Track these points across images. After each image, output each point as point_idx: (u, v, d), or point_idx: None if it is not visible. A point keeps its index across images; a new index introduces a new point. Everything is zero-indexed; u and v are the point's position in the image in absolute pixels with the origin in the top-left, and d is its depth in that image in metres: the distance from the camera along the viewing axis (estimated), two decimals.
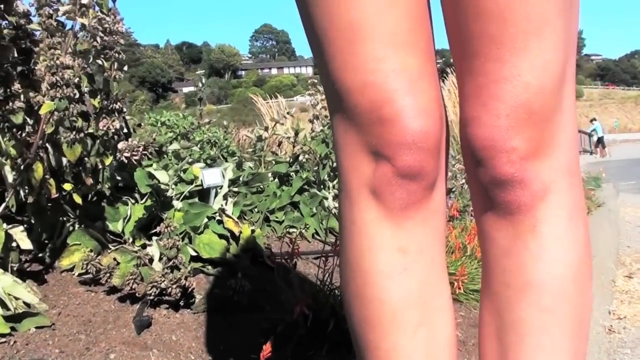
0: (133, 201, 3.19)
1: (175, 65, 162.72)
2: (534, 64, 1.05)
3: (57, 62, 2.52)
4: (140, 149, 2.71)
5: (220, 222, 3.29)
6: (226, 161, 5.04)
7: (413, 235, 1.17)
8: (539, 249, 1.14)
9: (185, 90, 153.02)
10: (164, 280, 2.55)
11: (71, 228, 2.90)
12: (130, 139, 2.79)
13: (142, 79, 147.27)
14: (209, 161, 4.42)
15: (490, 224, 1.19)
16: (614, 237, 6.07)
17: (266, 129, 5.36)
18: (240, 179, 4.40)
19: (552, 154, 1.11)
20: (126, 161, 2.70)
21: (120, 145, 2.71)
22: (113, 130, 2.82)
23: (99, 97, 2.83)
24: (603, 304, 3.81)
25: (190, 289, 2.63)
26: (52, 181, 2.64)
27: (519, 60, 1.05)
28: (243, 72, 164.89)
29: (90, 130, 2.82)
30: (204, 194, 3.50)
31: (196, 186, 3.43)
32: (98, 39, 2.70)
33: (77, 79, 2.61)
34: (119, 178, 3.27)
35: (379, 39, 1.08)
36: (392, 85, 1.09)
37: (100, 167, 2.96)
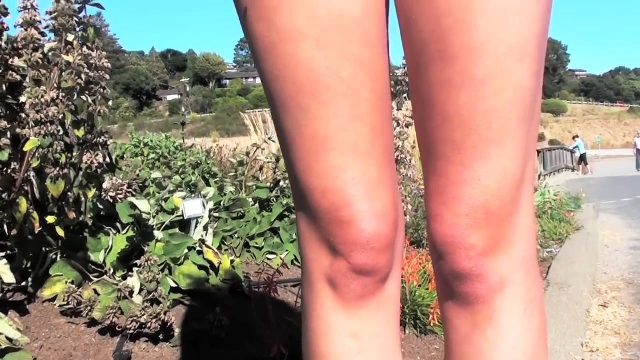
0: (115, 231, 3.23)
1: (159, 73, 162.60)
2: (493, 170, 1.12)
3: (42, 99, 2.57)
4: (125, 187, 2.76)
5: (200, 252, 3.34)
6: (208, 185, 5.09)
7: (367, 322, 1.26)
8: (496, 337, 1.20)
9: (170, 98, 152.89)
10: (143, 314, 2.60)
11: (54, 257, 2.94)
12: (114, 176, 2.83)
13: (127, 86, 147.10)
14: (191, 187, 4.46)
15: (451, 311, 1.26)
16: (591, 264, 6.12)
17: (247, 154, 5.41)
18: (222, 204, 4.44)
19: (509, 249, 1.18)
20: (111, 200, 2.75)
21: (105, 185, 2.76)
22: (96, 165, 2.86)
23: (82, 128, 2.87)
24: (576, 337, 3.86)
25: (169, 323, 2.68)
26: (35, 215, 2.69)
27: (480, 165, 1.12)
28: (228, 81, 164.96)
29: (74, 161, 2.86)
30: (184, 224, 3.55)
31: (177, 216, 3.47)
32: (83, 76, 2.74)
33: (62, 115, 2.65)
34: (101, 207, 3.31)
35: (341, 150, 1.16)
36: (351, 191, 1.17)
37: (83, 199, 3.00)
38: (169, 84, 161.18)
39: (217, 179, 5.36)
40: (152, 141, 6.44)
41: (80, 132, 2.85)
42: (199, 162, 5.58)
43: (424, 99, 1.18)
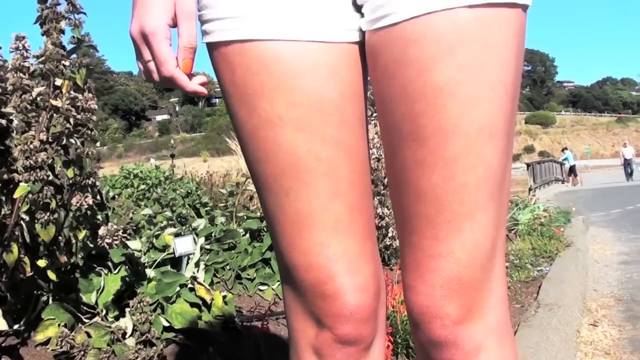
0: (106, 271, 3.25)
1: (148, 93, 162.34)
2: (465, 243, 1.17)
3: (31, 145, 2.60)
4: (120, 232, 2.79)
5: (192, 289, 3.36)
6: (199, 215, 5.11)
7: None
8: None
9: (159, 118, 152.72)
10: (137, 358, 2.62)
11: (46, 300, 2.96)
12: (106, 216, 2.86)
13: (115, 106, 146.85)
14: (181, 219, 4.48)
15: None
16: (581, 281, 6.14)
17: (237, 184, 5.44)
18: (213, 235, 4.47)
19: (483, 316, 1.22)
20: (107, 247, 2.78)
21: (101, 232, 2.79)
22: (86, 206, 2.89)
23: (72, 168, 2.90)
24: (567, 359, 3.89)
25: None
26: (26, 259, 2.71)
27: (453, 239, 1.17)
28: (217, 100, 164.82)
29: (64, 202, 2.89)
30: (176, 260, 3.57)
31: (168, 254, 3.50)
32: (71, 120, 2.77)
33: (51, 160, 2.68)
34: (91, 245, 3.34)
35: (323, 228, 1.23)
36: (334, 266, 1.23)
37: (74, 240, 3.03)
38: (158, 104, 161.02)
39: (208, 208, 5.39)
40: (141, 172, 6.47)
41: (70, 173, 2.88)
42: (189, 191, 5.60)
43: (399, 176, 1.22)
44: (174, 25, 1.20)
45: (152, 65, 1.19)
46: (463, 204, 1.16)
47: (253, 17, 1.18)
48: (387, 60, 1.18)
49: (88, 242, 3.29)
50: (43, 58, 2.74)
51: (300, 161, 1.20)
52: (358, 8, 1.25)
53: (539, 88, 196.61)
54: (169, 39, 1.18)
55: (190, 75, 1.21)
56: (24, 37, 2.81)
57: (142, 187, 5.69)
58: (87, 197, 2.89)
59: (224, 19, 1.20)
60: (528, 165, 26.91)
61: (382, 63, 1.19)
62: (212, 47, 1.25)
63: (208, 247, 4.30)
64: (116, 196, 4.52)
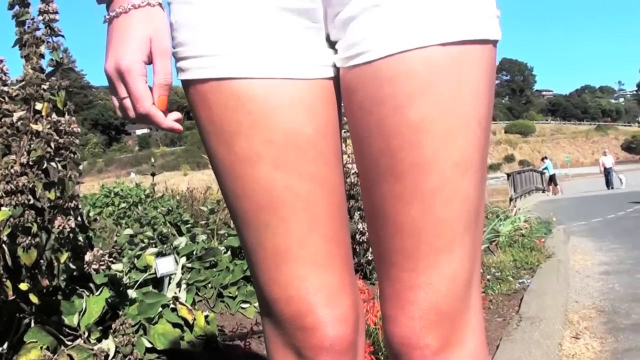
0: (88, 293, 3.24)
1: None
2: (443, 275, 1.20)
3: (12, 170, 2.60)
4: (106, 256, 2.79)
5: (174, 309, 3.36)
6: (180, 233, 5.11)
7: None
8: None
9: (139, 132, 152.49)
10: None
11: (28, 321, 2.95)
12: (94, 248, 2.86)
13: (95, 121, 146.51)
14: (162, 238, 4.48)
15: None
16: (563, 293, 6.16)
17: (218, 202, 5.44)
18: (194, 253, 4.47)
19: (461, 345, 1.24)
20: (94, 272, 2.78)
21: (87, 257, 2.79)
22: (69, 229, 2.89)
23: (53, 190, 2.90)
24: None
25: None
26: (8, 283, 2.70)
27: (430, 271, 1.19)
28: None
29: (46, 224, 2.88)
30: (158, 280, 3.57)
31: (150, 274, 3.50)
32: (52, 144, 2.77)
33: (32, 184, 2.68)
34: (73, 267, 3.33)
35: (301, 261, 1.25)
36: (313, 299, 1.26)
37: (56, 263, 3.02)
38: None
39: (189, 226, 5.39)
40: (122, 190, 6.46)
41: (52, 195, 2.88)
42: (170, 209, 5.60)
43: (376, 210, 1.24)
44: (149, 62, 1.21)
45: (127, 102, 1.20)
46: (441, 237, 1.18)
47: (228, 55, 1.20)
48: (363, 97, 1.20)
49: (70, 264, 3.28)
50: (23, 82, 2.74)
51: (278, 197, 1.22)
52: (332, 44, 1.27)
53: (518, 97, 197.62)
54: (145, 76, 1.19)
55: (166, 111, 1.22)
56: (1, 61, 2.81)
57: (123, 205, 5.69)
58: (69, 220, 2.89)
59: (200, 57, 1.22)
60: (508, 175, 26.98)
61: (357, 99, 1.21)
62: (188, 84, 1.26)
63: (190, 265, 4.30)
64: (97, 217, 4.51)
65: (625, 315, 5.40)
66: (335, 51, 1.26)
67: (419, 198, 1.17)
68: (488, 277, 6.16)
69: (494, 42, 1.22)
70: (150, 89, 1.20)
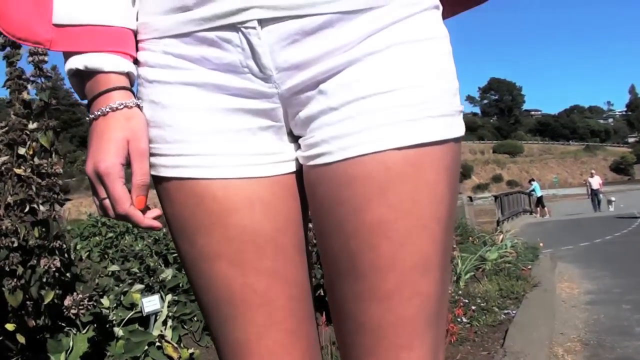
0: (75, 330, 3.26)
1: None
2: None
3: None
4: (85, 300, 2.80)
5: (160, 347, 3.37)
6: (167, 263, 5.12)
7: None
8: None
9: None
10: None
11: None
12: (74, 292, 2.87)
13: (83, 138, 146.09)
14: (149, 271, 4.49)
15: None
16: (548, 325, 6.17)
17: None
18: (180, 285, 4.48)
19: None
20: (74, 317, 2.79)
21: (66, 302, 2.80)
22: (54, 269, 2.91)
23: (38, 228, 2.92)
24: None
25: None
26: None
27: None
28: None
29: (32, 263, 2.90)
30: (144, 318, 3.58)
31: (136, 312, 3.51)
32: (34, 187, 2.79)
33: (15, 226, 2.70)
34: (59, 303, 3.34)
35: (259, 355, 1.27)
36: None
37: (42, 302, 3.03)
38: None
39: (176, 255, 5.39)
40: (109, 220, 6.47)
41: (36, 232, 2.90)
42: (157, 238, 5.61)
43: (338, 307, 1.28)
44: (128, 163, 1.23)
45: (107, 202, 1.22)
46: (401, 335, 1.20)
47: (189, 156, 1.23)
48: (323, 197, 1.23)
49: (56, 300, 3.29)
50: (7, 128, 2.76)
51: (236, 293, 1.25)
52: (295, 138, 1.31)
53: (506, 117, 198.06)
54: (123, 178, 1.21)
55: (145, 209, 1.24)
56: None
57: (110, 235, 5.69)
58: (54, 260, 2.91)
59: (164, 155, 1.25)
60: (496, 197, 26.98)
61: (318, 198, 1.25)
62: (155, 179, 1.29)
63: (176, 298, 4.31)
64: (82, 256, 4.53)
65: (610, 349, 5.42)
66: (299, 146, 1.29)
67: (378, 298, 1.19)
68: (473, 307, 6.16)
69: (455, 139, 1.24)
70: (129, 189, 1.23)
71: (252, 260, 1.24)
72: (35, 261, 2.91)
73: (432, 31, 1.25)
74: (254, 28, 1.17)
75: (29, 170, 2.79)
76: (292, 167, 1.31)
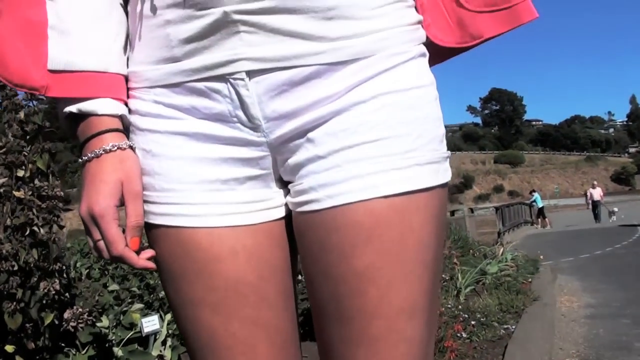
0: (74, 351, 3.27)
1: None
2: None
3: None
4: (85, 315, 2.82)
5: None
6: None
7: None
8: None
9: None
10: None
11: None
12: (74, 306, 2.88)
13: None
14: (149, 289, 4.51)
15: None
16: (547, 340, 6.17)
17: None
18: None
19: None
20: (72, 330, 2.80)
21: (66, 315, 2.82)
22: (54, 292, 2.92)
23: (37, 249, 2.93)
24: None
25: None
26: None
27: None
28: None
29: (32, 284, 2.91)
30: (143, 338, 3.60)
31: (135, 332, 3.53)
32: (34, 211, 2.80)
33: (15, 250, 2.72)
34: (57, 323, 3.35)
35: None
36: None
37: (41, 324, 3.05)
38: None
39: None
40: None
41: (35, 254, 2.91)
42: None
43: (327, 349, 1.30)
44: (122, 205, 1.25)
45: (101, 244, 1.23)
46: None
47: (176, 205, 1.26)
48: (311, 243, 1.26)
49: (56, 321, 3.31)
50: (5, 149, 2.78)
51: (218, 340, 1.27)
52: (284, 183, 1.33)
53: (507, 127, 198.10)
54: (117, 220, 1.23)
55: (139, 250, 1.26)
56: None
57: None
58: (54, 282, 2.92)
59: (153, 203, 1.28)
60: (497, 208, 26.91)
61: (307, 244, 1.27)
62: (144, 224, 1.30)
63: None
64: (83, 273, 4.54)
65: None
66: (288, 191, 1.32)
67: (365, 342, 1.21)
68: (473, 322, 6.16)
69: (442, 185, 1.27)
70: (123, 230, 1.24)
71: (235, 308, 1.27)
72: (34, 281, 2.92)
73: (418, 80, 1.28)
74: (242, 79, 1.20)
75: (29, 193, 2.80)
76: (280, 213, 1.33)
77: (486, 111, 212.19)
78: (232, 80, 1.20)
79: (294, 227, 1.31)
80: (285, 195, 1.34)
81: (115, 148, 1.25)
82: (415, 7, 1.33)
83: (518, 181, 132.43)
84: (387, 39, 1.24)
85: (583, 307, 8.41)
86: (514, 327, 6.34)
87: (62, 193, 2.97)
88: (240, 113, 1.23)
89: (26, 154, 2.86)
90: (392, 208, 1.19)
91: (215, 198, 1.26)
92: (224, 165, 1.27)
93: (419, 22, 1.32)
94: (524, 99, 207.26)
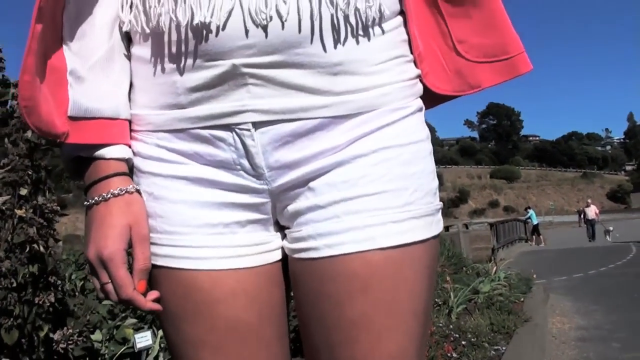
0: None
1: None
2: None
3: None
4: (75, 336, 2.84)
5: None
6: None
7: None
8: None
9: None
10: None
11: None
12: (65, 328, 2.91)
13: None
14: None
15: None
16: None
17: None
18: None
19: None
20: (62, 352, 2.83)
21: (56, 336, 2.84)
22: (49, 304, 2.95)
23: (36, 265, 2.95)
24: None
25: None
26: None
27: None
28: None
29: (28, 298, 2.94)
30: (136, 353, 3.62)
31: (128, 348, 3.55)
32: (35, 228, 2.83)
33: (14, 268, 2.74)
34: (53, 337, 3.37)
35: None
36: None
37: (36, 338, 3.07)
38: None
39: None
40: None
41: (33, 269, 2.93)
42: None
43: None
44: (130, 247, 1.27)
45: (109, 287, 1.25)
46: None
47: (179, 247, 1.28)
48: (306, 289, 1.30)
49: (50, 335, 3.33)
50: (9, 167, 2.80)
51: None
52: (280, 227, 1.37)
53: (504, 142, 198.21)
54: (126, 264, 1.25)
55: (145, 292, 1.27)
56: None
57: None
58: (49, 295, 2.94)
59: (154, 244, 1.29)
60: (491, 225, 26.89)
61: (302, 290, 1.31)
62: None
63: None
64: (78, 285, 4.54)
65: None
66: (284, 235, 1.35)
67: None
68: (464, 342, 6.18)
69: (434, 236, 1.31)
70: (131, 272, 1.27)
71: (234, 348, 1.29)
72: (30, 295, 2.95)
73: (415, 135, 1.32)
74: (248, 130, 1.23)
75: (30, 211, 2.83)
76: (277, 256, 1.36)
77: (483, 125, 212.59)
78: (237, 130, 1.23)
79: (290, 271, 1.35)
80: (282, 239, 1.37)
81: (123, 192, 1.27)
82: (414, 57, 1.37)
83: (514, 197, 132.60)
84: (388, 94, 1.28)
85: (574, 329, 8.44)
86: (504, 348, 6.36)
87: (57, 207, 2.99)
88: (245, 161, 1.26)
89: (29, 173, 2.88)
90: (388, 260, 1.23)
91: (217, 241, 1.29)
92: (226, 209, 1.30)
93: (418, 77, 1.37)
94: (522, 114, 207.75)
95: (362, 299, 1.23)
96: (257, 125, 1.22)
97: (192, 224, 1.29)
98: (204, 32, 1.20)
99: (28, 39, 1.18)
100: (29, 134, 2.90)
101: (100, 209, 1.27)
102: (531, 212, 37.03)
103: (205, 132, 1.25)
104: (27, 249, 2.85)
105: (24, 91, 1.19)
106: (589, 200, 42.39)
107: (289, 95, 1.22)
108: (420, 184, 1.29)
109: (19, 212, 2.79)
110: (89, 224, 1.28)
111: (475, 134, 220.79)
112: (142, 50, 1.30)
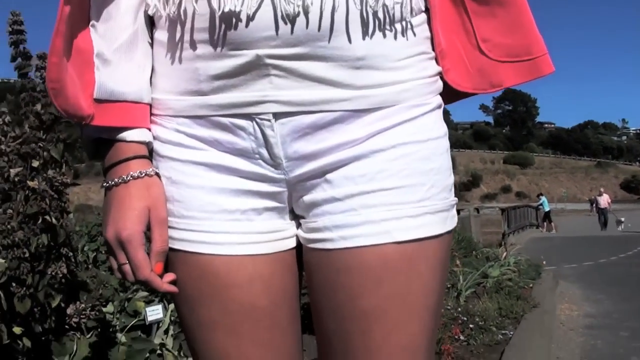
0: (79, 334, 3.32)
1: None
2: None
3: (9, 226, 2.69)
4: (88, 310, 2.87)
5: (161, 355, 3.45)
6: None
7: None
8: None
9: None
10: None
11: None
12: (78, 302, 2.93)
13: None
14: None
15: None
16: (545, 348, 6.17)
17: None
18: None
19: None
20: (75, 325, 2.86)
21: (69, 310, 2.87)
22: (61, 275, 2.97)
23: (47, 235, 2.98)
24: None
25: None
26: (3, 327, 2.79)
27: None
28: None
29: (40, 268, 2.97)
30: (146, 326, 3.65)
31: (139, 320, 3.58)
32: (47, 200, 2.85)
33: (28, 238, 2.77)
34: (65, 307, 3.40)
35: None
36: None
37: (48, 307, 3.10)
38: None
39: None
40: None
41: (45, 239, 2.95)
42: None
43: None
44: (148, 229, 1.29)
45: (127, 267, 1.27)
46: None
47: (196, 232, 1.30)
48: (320, 280, 1.32)
49: (62, 304, 3.36)
50: (21, 140, 2.82)
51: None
52: (295, 216, 1.39)
53: (519, 128, 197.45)
54: (144, 245, 1.27)
55: (162, 274, 1.30)
56: (5, 113, 2.90)
57: None
58: (61, 266, 2.97)
59: (172, 228, 1.31)
60: (503, 210, 26.84)
61: (316, 280, 1.34)
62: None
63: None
64: (90, 257, 4.58)
65: None
66: (300, 224, 1.38)
67: None
68: (471, 326, 6.19)
69: (448, 231, 1.34)
70: (148, 253, 1.28)
71: (248, 331, 1.31)
72: (42, 266, 2.97)
73: (434, 132, 1.34)
74: (268, 120, 1.24)
75: (43, 183, 2.85)
76: (292, 244, 1.38)
77: (499, 111, 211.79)
78: (258, 120, 1.25)
79: (305, 260, 1.37)
80: (297, 228, 1.39)
81: (143, 175, 1.29)
82: (436, 54, 1.39)
83: (526, 183, 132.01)
84: (409, 90, 1.30)
85: (583, 317, 8.42)
86: (512, 332, 6.34)
87: (67, 180, 3.00)
88: (263, 151, 1.28)
89: (42, 145, 2.90)
90: (403, 254, 1.26)
91: (234, 227, 1.31)
92: (243, 196, 1.31)
93: (438, 74, 1.38)
94: (538, 101, 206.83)
95: (376, 292, 1.26)
96: (277, 115, 1.24)
97: (209, 210, 1.30)
98: (233, 20, 1.20)
99: (56, 20, 1.19)
100: (37, 107, 2.92)
101: (119, 191, 1.29)
102: (543, 198, 36.97)
103: (226, 120, 1.27)
104: (40, 220, 2.87)
105: (52, 73, 1.20)
106: (602, 189, 42.10)
107: (310, 87, 1.23)
108: (436, 180, 1.32)
109: (31, 183, 2.81)
110: (108, 205, 1.30)
111: (490, 119, 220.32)
112: (165, 35, 1.31)
